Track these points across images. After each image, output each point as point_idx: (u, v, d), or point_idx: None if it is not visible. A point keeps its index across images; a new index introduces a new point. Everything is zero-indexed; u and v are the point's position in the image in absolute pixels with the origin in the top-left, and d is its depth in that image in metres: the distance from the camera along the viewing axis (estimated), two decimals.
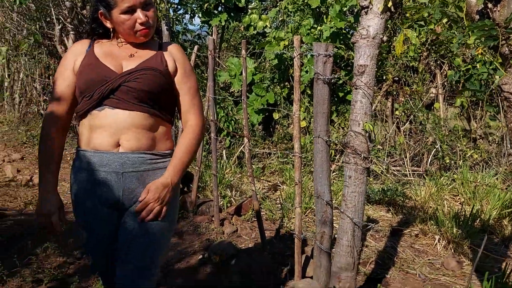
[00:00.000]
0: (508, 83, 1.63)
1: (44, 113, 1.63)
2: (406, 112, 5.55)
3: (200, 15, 5.88)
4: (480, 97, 4.68)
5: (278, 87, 5.66)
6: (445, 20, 4.40)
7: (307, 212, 3.80)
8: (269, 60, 5.68)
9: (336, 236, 2.24)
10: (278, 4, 5.85)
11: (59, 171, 1.62)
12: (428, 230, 3.58)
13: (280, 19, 5.93)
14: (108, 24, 1.59)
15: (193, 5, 6.04)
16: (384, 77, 5.58)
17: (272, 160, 5.52)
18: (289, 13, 5.68)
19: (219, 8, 6.17)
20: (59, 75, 1.60)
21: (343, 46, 5.16)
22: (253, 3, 6.17)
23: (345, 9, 5.14)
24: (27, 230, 3.32)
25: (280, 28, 5.77)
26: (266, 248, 2.99)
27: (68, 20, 5.67)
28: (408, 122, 5.67)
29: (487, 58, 2.03)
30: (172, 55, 1.63)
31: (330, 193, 2.26)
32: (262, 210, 3.86)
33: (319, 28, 5.32)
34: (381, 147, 5.65)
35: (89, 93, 1.52)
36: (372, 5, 2.04)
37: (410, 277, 2.94)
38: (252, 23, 5.97)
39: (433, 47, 5.38)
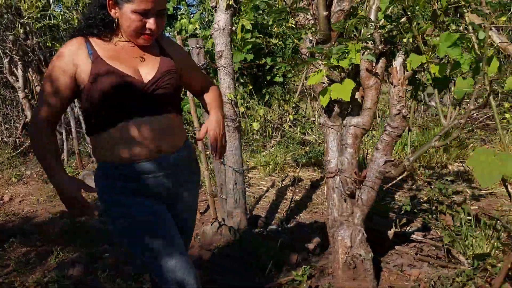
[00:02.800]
0: None
1: (34, 114, 1.51)
2: None
3: None
4: None
5: None
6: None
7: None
8: None
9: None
10: (200, 6, 6.46)
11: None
12: None
13: (207, 19, 6.55)
14: (113, 13, 1.47)
15: None
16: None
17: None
18: (212, 12, 6.30)
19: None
20: (53, 78, 1.46)
21: (261, 36, 5.79)
22: (182, 9, 6.77)
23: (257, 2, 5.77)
24: None
25: (207, 27, 6.38)
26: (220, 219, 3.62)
27: (14, 52, 6.20)
28: None
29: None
30: (168, 49, 1.61)
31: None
32: None
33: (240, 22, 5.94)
34: (314, 119, 6.31)
35: (113, 105, 1.45)
36: (219, 4, 2.67)
37: (316, 216, 3.60)
38: (183, 27, 6.56)
39: None
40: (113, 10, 1.47)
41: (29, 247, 3.27)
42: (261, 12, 5.79)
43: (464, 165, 4.44)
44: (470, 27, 1.66)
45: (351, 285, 2.00)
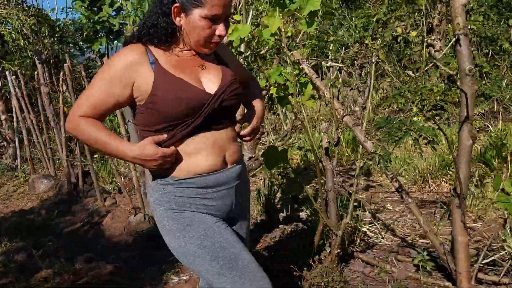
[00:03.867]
0: None
1: (73, 112, 1.39)
2: None
3: (81, 42, 7.00)
4: None
5: None
6: None
7: None
8: None
9: None
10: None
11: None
12: None
13: None
14: (177, 21, 1.38)
15: (74, 37, 7.13)
16: None
17: None
18: None
19: (100, 34, 7.31)
20: (107, 84, 1.35)
21: None
22: (128, 24, 7.35)
23: None
24: None
25: None
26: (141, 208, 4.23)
27: None
28: None
29: None
30: (222, 54, 1.55)
31: None
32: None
33: None
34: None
35: (180, 118, 1.36)
36: None
37: None
38: None
39: None
40: (177, 18, 1.37)
41: None
42: None
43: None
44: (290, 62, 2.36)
45: None
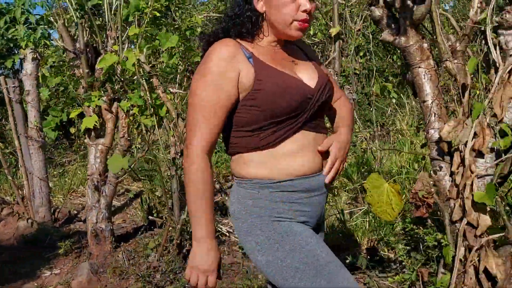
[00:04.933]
0: None
1: (190, 144, 1.23)
2: None
3: None
4: None
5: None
6: None
7: (71, 192, 5.37)
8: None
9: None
10: None
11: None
12: None
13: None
14: (260, 7, 1.28)
15: None
16: None
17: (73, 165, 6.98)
18: None
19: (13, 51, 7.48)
20: (212, 89, 1.21)
21: None
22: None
23: None
24: None
25: None
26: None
27: None
28: None
29: None
30: (309, 53, 1.44)
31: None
32: None
33: None
34: None
35: (286, 113, 1.24)
36: (27, 56, 3.68)
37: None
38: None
39: None
40: (260, 2, 1.28)
41: None
42: None
43: None
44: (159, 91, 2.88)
45: (96, 248, 3.08)
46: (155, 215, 3.39)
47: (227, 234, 3.36)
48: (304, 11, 1.25)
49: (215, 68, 1.22)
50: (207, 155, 1.24)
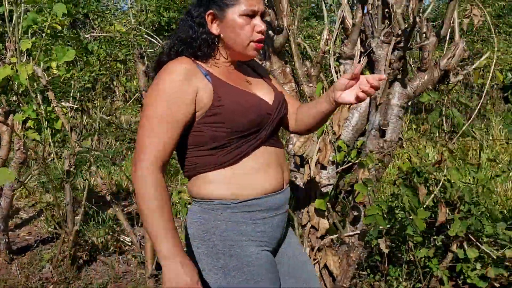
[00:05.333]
0: None
1: (141, 158, 1.17)
2: None
3: None
4: None
5: None
6: None
7: None
8: None
9: None
10: None
11: None
12: None
13: None
14: (214, 30, 1.28)
15: None
16: None
17: None
18: None
19: None
20: (168, 105, 1.18)
21: None
22: None
23: None
24: None
25: None
26: None
27: None
28: None
29: None
30: (260, 71, 1.47)
31: None
32: None
33: None
34: None
35: (248, 132, 1.24)
36: None
37: None
38: None
39: None
40: (214, 25, 1.28)
41: None
42: None
43: None
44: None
45: None
46: (52, 227, 3.41)
47: (130, 244, 3.45)
48: (260, 31, 1.28)
49: (170, 84, 1.19)
50: (159, 170, 1.17)
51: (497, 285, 2.14)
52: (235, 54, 1.32)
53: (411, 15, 1.88)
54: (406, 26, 1.84)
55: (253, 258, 1.24)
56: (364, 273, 2.43)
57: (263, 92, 1.35)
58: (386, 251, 2.00)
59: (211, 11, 1.26)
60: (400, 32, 1.86)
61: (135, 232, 3.22)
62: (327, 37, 2.09)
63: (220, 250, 1.23)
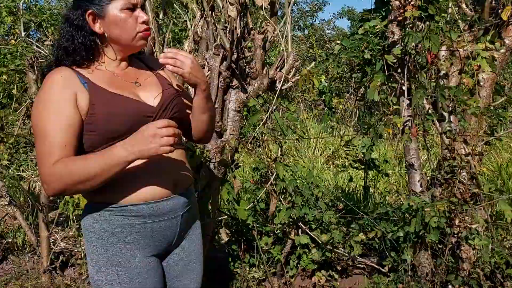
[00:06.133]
0: None
1: (42, 165, 1.21)
2: None
3: None
4: None
5: None
6: None
7: None
8: None
9: None
10: None
11: None
12: None
13: None
14: (98, 29, 1.29)
15: None
16: None
17: None
18: None
19: None
20: (54, 111, 1.20)
21: None
22: None
23: None
24: None
25: None
26: None
27: None
28: None
29: None
30: (155, 67, 1.44)
31: None
32: None
33: None
34: None
35: (121, 136, 1.24)
36: None
37: None
38: None
39: None
40: (96, 24, 1.29)
41: None
42: None
43: None
44: None
45: None
46: None
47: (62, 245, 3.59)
48: (143, 22, 1.31)
49: (50, 93, 1.22)
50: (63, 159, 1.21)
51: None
52: (125, 49, 1.34)
53: (238, 30, 2.18)
54: (230, 41, 2.14)
55: (124, 260, 1.30)
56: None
57: (150, 93, 1.35)
58: (226, 239, 2.27)
59: (90, 11, 1.27)
60: (227, 46, 2.15)
61: (33, 231, 3.41)
62: (189, 49, 2.36)
63: (95, 246, 1.31)
